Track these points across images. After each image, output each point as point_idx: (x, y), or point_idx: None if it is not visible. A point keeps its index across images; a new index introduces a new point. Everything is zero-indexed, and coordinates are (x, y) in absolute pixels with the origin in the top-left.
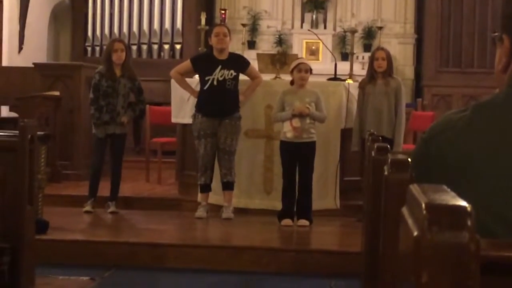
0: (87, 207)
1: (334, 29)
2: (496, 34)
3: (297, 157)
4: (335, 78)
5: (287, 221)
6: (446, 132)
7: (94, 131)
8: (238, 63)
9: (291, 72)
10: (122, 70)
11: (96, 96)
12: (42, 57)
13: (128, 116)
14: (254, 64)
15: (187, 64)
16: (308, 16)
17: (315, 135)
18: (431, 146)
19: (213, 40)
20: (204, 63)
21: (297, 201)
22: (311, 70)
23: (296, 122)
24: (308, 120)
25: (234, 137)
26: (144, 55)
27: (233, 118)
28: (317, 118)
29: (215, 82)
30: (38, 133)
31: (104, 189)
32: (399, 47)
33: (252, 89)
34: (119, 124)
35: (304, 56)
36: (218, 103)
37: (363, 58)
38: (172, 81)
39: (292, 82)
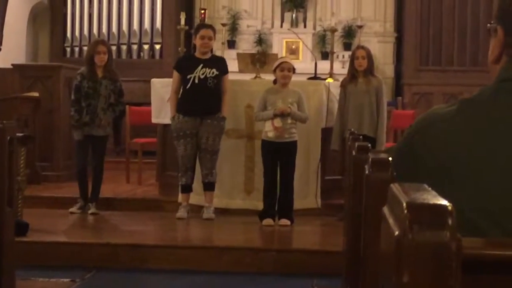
0: (73, 208)
1: (314, 28)
2: (492, 24)
3: (278, 156)
4: (315, 77)
5: (268, 221)
6: (432, 127)
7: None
8: (220, 64)
9: (274, 71)
10: (104, 72)
11: (77, 98)
12: (21, 58)
13: (109, 117)
14: (234, 64)
15: (174, 75)
16: (288, 15)
17: (296, 135)
18: (417, 140)
19: (197, 42)
20: (185, 62)
21: (278, 200)
22: (294, 69)
23: (277, 122)
24: (289, 120)
25: (216, 136)
26: (124, 55)
27: (215, 118)
28: (299, 118)
29: (196, 80)
30: (18, 134)
31: None
32: (379, 46)
33: (226, 107)
34: (99, 126)
35: (284, 55)
36: (200, 101)
37: (343, 57)
38: (153, 81)
39: (275, 81)
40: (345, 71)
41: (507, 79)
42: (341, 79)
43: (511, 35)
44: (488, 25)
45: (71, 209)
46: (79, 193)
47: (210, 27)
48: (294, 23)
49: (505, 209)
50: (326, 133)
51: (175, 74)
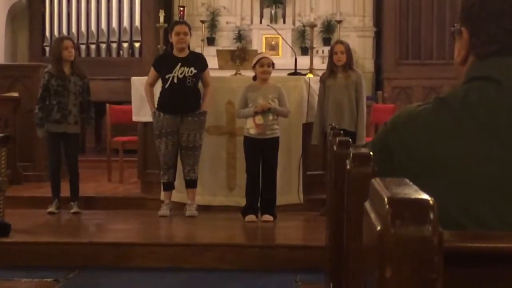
0: (51, 208)
1: (293, 23)
2: (456, 27)
3: (261, 152)
4: (295, 72)
5: (251, 217)
6: (409, 123)
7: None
8: (198, 61)
9: (253, 68)
10: (72, 68)
11: (43, 96)
12: None
13: (88, 118)
14: (214, 61)
15: (151, 71)
16: (267, 11)
17: (278, 131)
18: (391, 137)
19: (173, 39)
20: (164, 62)
21: (261, 196)
22: (273, 64)
23: (259, 119)
24: (271, 117)
25: (197, 132)
26: (103, 54)
27: (196, 114)
28: (280, 113)
29: (175, 80)
30: None
31: (65, 190)
32: (358, 40)
33: (208, 100)
34: (71, 123)
35: (264, 51)
36: (179, 100)
37: (323, 52)
38: (133, 79)
39: (254, 78)
40: (325, 66)
41: (475, 78)
42: (321, 74)
43: (476, 36)
44: (452, 28)
45: (49, 209)
46: (52, 193)
47: (184, 23)
48: (273, 19)
49: (484, 206)
50: (307, 128)
51: (152, 70)
